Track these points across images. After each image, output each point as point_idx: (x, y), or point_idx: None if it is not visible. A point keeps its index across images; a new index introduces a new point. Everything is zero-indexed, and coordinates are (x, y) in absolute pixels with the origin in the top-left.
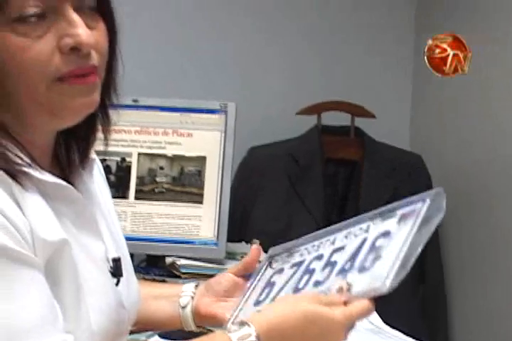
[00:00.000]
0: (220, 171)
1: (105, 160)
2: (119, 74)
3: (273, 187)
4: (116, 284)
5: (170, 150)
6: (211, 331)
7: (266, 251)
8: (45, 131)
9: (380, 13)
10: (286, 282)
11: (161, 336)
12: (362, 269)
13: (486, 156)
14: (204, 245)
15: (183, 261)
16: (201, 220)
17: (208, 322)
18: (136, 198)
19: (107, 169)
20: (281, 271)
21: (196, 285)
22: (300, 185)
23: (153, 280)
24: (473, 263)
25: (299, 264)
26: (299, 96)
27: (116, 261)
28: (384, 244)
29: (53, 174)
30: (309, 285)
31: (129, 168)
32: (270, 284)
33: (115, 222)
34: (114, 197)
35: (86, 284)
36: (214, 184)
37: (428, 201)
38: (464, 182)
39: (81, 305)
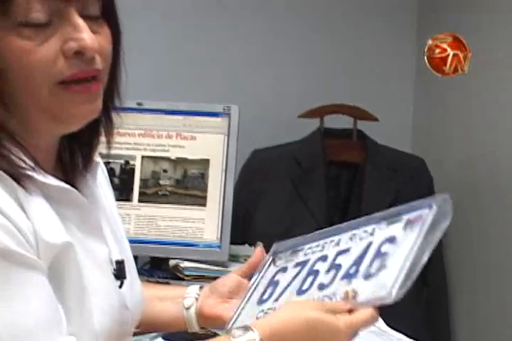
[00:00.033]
0: (223, 174)
1: (109, 163)
2: (123, 79)
3: (276, 189)
4: (120, 286)
5: (173, 153)
6: (215, 333)
7: None
8: (49, 135)
9: (383, 18)
10: (290, 282)
11: (165, 338)
12: (367, 276)
13: (488, 159)
14: (207, 247)
15: (186, 264)
16: (204, 223)
17: (212, 323)
18: (140, 201)
19: (110, 172)
20: (284, 269)
21: (201, 287)
22: (303, 187)
23: (157, 282)
24: (477, 266)
25: (302, 264)
26: (302, 99)
27: (120, 264)
28: (390, 250)
29: (57, 178)
30: (313, 288)
31: (132, 171)
32: (274, 283)
33: (119, 224)
34: (117, 199)
35: (89, 286)
36: (217, 186)
37: (435, 207)
38: (465, 185)
39: (84, 307)
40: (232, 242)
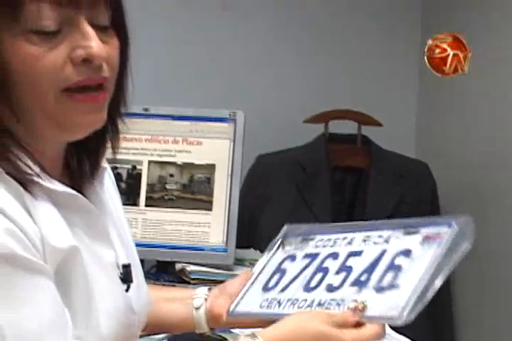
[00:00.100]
0: (229, 178)
1: (116, 168)
2: (129, 89)
3: (281, 194)
4: (127, 290)
5: (180, 158)
6: (220, 336)
7: None
8: (55, 142)
9: (386, 24)
10: (298, 274)
11: (171, 340)
12: (379, 289)
13: (491, 164)
14: (213, 251)
15: (192, 267)
16: (210, 227)
17: (222, 324)
18: (147, 205)
19: (117, 177)
20: (293, 258)
21: (209, 289)
22: (307, 192)
23: (163, 285)
24: (480, 269)
25: (312, 257)
26: (307, 105)
27: (127, 268)
28: (404, 264)
29: (64, 184)
30: (321, 287)
31: (139, 176)
32: (281, 270)
33: (126, 229)
34: (124, 204)
35: (96, 290)
36: (223, 191)
37: (455, 227)
38: (469, 190)
39: (91, 311)
40: (238, 246)
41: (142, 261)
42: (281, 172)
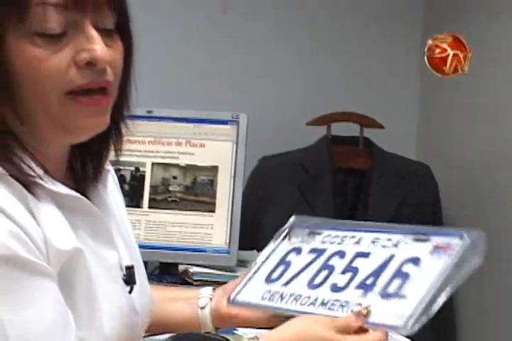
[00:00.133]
0: (232, 180)
1: (120, 169)
2: (132, 94)
3: (283, 196)
4: (130, 291)
5: (183, 160)
6: (224, 337)
7: None
8: (58, 145)
9: (387, 26)
10: (302, 269)
11: None
12: (384, 295)
13: (493, 166)
14: (216, 253)
15: (195, 269)
16: (213, 228)
17: (227, 323)
18: (150, 207)
19: (121, 178)
20: (299, 251)
21: (213, 289)
22: (310, 194)
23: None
24: (482, 273)
25: (318, 252)
26: (309, 107)
27: (130, 269)
28: (412, 272)
29: (67, 186)
30: (326, 285)
31: (142, 178)
32: (285, 263)
33: (129, 230)
34: (128, 205)
35: (99, 291)
36: (226, 193)
37: (467, 239)
38: (470, 192)
39: (94, 312)
40: (241, 248)
41: (145, 263)
42: (283, 174)
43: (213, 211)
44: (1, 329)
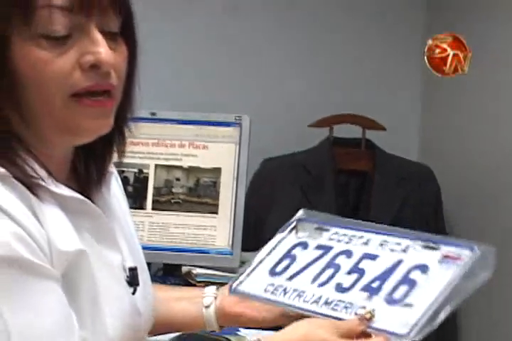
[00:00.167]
0: (235, 182)
1: (123, 171)
2: (136, 97)
3: (286, 197)
4: (133, 293)
5: (186, 162)
6: (227, 338)
7: None
8: (62, 146)
9: (389, 25)
10: (307, 265)
11: None
12: (390, 301)
13: (495, 167)
14: (219, 254)
15: (198, 270)
16: (216, 230)
17: (232, 322)
18: (153, 208)
19: (124, 180)
20: (305, 246)
21: (218, 288)
22: (312, 195)
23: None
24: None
25: (325, 249)
26: (311, 109)
27: (133, 271)
28: (419, 280)
29: (71, 188)
30: (330, 285)
31: (146, 179)
32: (290, 256)
33: (132, 232)
34: (131, 207)
35: (103, 293)
36: (229, 194)
37: (478, 252)
38: (472, 194)
39: (98, 313)
40: (244, 249)
41: (149, 264)
42: (286, 175)
43: (216, 212)
44: (5, 330)
